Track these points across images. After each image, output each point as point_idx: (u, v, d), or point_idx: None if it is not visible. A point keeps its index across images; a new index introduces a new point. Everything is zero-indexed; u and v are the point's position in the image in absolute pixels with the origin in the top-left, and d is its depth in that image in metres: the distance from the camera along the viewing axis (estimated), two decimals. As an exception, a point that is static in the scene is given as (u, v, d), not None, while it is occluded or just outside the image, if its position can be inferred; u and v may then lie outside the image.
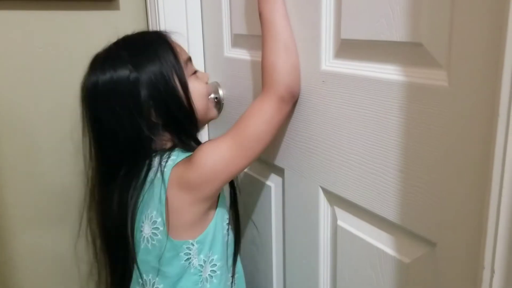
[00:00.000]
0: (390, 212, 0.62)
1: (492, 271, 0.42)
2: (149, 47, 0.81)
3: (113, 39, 1.07)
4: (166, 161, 0.77)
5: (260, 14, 0.76)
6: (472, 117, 0.49)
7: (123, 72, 0.77)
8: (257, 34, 0.86)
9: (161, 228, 0.76)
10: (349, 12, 0.64)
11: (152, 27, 1.07)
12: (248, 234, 1.05)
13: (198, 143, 0.84)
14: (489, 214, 0.42)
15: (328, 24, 0.69)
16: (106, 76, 0.77)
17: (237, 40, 0.97)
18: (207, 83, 0.89)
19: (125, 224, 0.79)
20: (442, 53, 0.52)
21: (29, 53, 1.02)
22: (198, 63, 1.10)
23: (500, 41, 0.41)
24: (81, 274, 1.14)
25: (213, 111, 0.92)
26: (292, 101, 0.76)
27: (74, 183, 1.08)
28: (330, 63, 0.70)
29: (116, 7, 1.06)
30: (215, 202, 0.80)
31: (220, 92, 1.04)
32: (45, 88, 1.04)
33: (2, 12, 0.97)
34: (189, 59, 0.86)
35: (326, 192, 0.76)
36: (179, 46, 0.85)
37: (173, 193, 0.75)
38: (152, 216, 0.77)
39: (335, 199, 0.75)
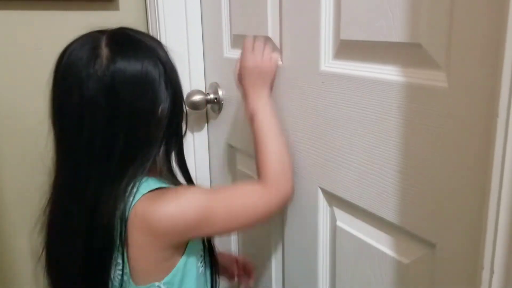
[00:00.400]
0: (389, 212, 0.62)
1: (492, 271, 0.42)
2: (157, 41, 0.74)
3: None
4: (134, 193, 0.66)
5: (253, 116, 0.77)
6: (471, 118, 0.49)
7: (152, 65, 0.67)
8: (257, 34, 0.86)
9: (126, 270, 0.67)
10: (349, 13, 0.64)
11: (152, 28, 1.07)
12: (247, 235, 1.05)
13: (187, 175, 0.78)
14: (489, 214, 0.42)
15: (328, 24, 0.69)
16: (136, 66, 0.66)
17: (237, 41, 0.97)
18: None
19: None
20: (441, 54, 0.52)
21: (28, 54, 1.02)
22: (197, 64, 1.10)
23: (499, 42, 0.41)
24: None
25: None
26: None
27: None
28: (329, 64, 0.70)
29: (116, 8, 1.06)
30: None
31: (220, 92, 1.04)
32: (45, 88, 1.04)
33: (1, 12, 0.97)
34: None
35: (325, 193, 0.76)
36: None
37: (134, 234, 0.65)
38: (114, 256, 0.67)
39: (334, 199, 0.75)
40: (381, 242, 0.66)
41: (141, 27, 1.09)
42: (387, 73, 0.59)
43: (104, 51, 0.65)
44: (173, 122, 0.72)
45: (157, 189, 0.67)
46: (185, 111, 0.76)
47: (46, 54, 1.02)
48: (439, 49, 0.52)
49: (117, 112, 0.65)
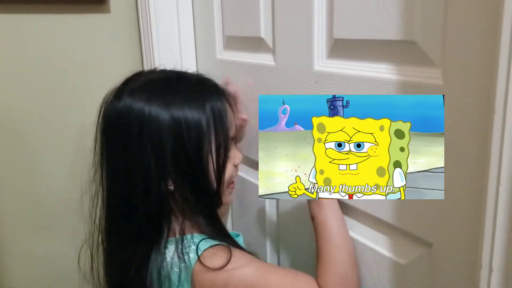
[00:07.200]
0: (385, 212, 0.62)
1: (490, 270, 0.42)
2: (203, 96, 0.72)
3: (104, 42, 1.06)
4: (187, 251, 0.68)
5: (314, 218, 0.68)
6: (467, 114, 0.49)
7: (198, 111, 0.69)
8: (249, 35, 0.86)
9: None
10: (342, 11, 0.64)
11: (143, 30, 1.06)
12: (244, 238, 1.04)
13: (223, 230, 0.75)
14: (487, 212, 0.41)
15: (321, 23, 0.68)
16: (139, 105, 0.68)
17: (230, 42, 0.96)
18: (235, 166, 0.80)
19: None
20: (436, 51, 0.52)
21: (20, 57, 1.00)
22: (190, 66, 1.09)
23: (495, 38, 0.41)
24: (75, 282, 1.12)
25: (228, 198, 0.80)
26: None
27: (72, 188, 1.05)
28: (323, 63, 0.70)
29: (107, 10, 1.06)
30: None
31: (213, 94, 1.04)
32: (38, 92, 1.03)
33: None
34: (234, 138, 0.78)
35: (321, 194, 0.75)
36: (232, 115, 0.76)
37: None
38: None
39: (329, 200, 0.74)
40: (377, 243, 0.65)
41: (132, 30, 1.08)
42: (382, 71, 0.59)
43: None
44: (186, 175, 0.70)
45: (211, 247, 0.68)
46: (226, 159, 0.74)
47: (38, 57, 1.02)
48: (433, 46, 0.52)
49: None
